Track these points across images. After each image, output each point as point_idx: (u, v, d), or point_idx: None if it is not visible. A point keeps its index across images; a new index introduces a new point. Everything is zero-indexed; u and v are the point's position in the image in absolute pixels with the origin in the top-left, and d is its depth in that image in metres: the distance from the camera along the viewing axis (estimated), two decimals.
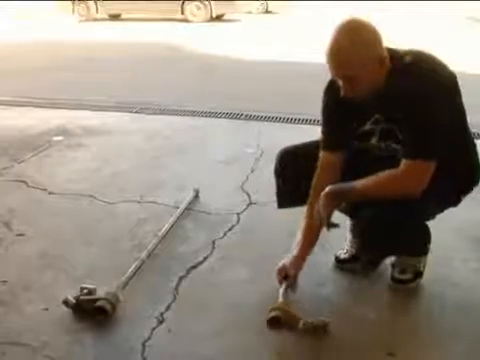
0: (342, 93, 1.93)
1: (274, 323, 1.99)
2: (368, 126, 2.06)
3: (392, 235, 2.02)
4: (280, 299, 2.07)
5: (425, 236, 2.24)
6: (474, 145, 2.12)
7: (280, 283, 2.14)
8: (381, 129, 2.04)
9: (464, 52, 8.23)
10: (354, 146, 2.14)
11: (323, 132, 2.17)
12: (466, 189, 2.13)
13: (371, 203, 1.92)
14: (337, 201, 2.02)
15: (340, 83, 1.92)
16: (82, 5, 15.60)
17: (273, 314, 2.00)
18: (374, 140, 2.08)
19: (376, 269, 2.36)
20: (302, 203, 2.20)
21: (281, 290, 2.12)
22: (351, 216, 2.32)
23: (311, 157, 2.13)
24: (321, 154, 2.15)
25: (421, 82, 1.83)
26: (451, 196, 2.11)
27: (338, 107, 2.06)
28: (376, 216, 1.94)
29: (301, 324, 1.96)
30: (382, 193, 1.91)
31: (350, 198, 2.01)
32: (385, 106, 1.97)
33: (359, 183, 1.96)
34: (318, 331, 1.96)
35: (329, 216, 2.02)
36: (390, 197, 1.88)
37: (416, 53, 1.94)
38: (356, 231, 2.35)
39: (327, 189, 1.99)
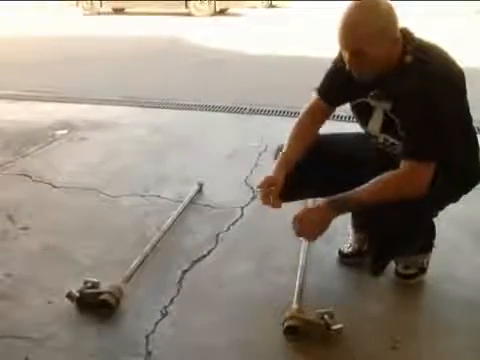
0: (347, 67, 1.86)
1: (291, 332, 1.96)
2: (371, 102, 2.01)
3: (401, 241, 1.99)
4: (294, 305, 2.04)
5: (430, 234, 2.23)
6: (476, 142, 2.09)
7: (266, 197, 2.04)
8: (384, 118, 1.99)
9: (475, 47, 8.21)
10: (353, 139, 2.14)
11: (324, 80, 2.15)
12: (470, 186, 2.11)
13: (377, 208, 1.87)
14: (336, 213, 1.95)
15: (346, 57, 1.84)
16: None
17: (289, 323, 1.96)
18: (376, 125, 2.04)
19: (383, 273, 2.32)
20: (302, 198, 2.19)
21: (295, 294, 2.10)
22: (354, 212, 2.31)
23: (311, 153, 2.12)
24: (314, 97, 2.17)
25: (430, 83, 1.78)
26: (455, 195, 2.09)
27: (345, 76, 1.96)
28: (384, 224, 1.89)
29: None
30: (384, 198, 1.85)
31: (350, 209, 1.98)
32: (391, 98, 1.93)
33: (358, 191, 1.89)
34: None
35: (322, 232, 1.98)
36: (393, 201, 1.83)
37: (430, 49, 1.88)
38: (363, 235, 2.35)
39: (324, 201, 1.93)
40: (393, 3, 1.80)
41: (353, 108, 2.13)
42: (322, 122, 2.20)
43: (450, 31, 9.82)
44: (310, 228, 1.98)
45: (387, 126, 1.99)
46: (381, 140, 2.05)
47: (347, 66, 1.87)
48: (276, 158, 2.13)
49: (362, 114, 2.09)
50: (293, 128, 2.16)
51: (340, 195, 1.93)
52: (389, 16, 1.79)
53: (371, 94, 1.97)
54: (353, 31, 1.77)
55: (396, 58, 1.84)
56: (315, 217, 1.95)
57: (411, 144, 1.87)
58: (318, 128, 2.19)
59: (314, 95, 2.18)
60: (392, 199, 1.84)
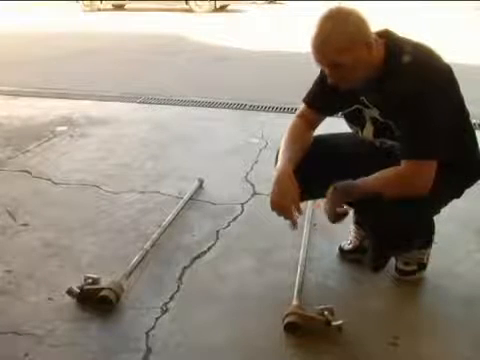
0: (329, 82, 1.88)
1: (292, 328, 1.96)
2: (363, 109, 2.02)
3: (401, 238, 1.99)
4: (294, 301, 2.04)
5: (430, 229, 2.23)
6: (475, 136, 2.08)
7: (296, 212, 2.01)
8: (374, 122, 1.99)
9: (474, 43, 8.21)
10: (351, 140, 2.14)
11: (311, 89, 2.16)
12: (471, 182, 2.11)
13: (378, 206, 1.87)
14: (343, 199, 1.99)
15: (327, 72, 1.87)
16: None
17: (289, 319, 1.97)
18: (369, 133, 2.04)
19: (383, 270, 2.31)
20: (301, 200, 2.16)
21: (295, 291, 2.11)
22: (355, 209, 2.30)
23: (311, 155, 2.11)
24: (303, 105, 2.17)
25: (419, 82, 1.78)
26: (456, 190, 2.09)
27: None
28: (384, 221, 1.90)
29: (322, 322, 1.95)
30: (388, 193, 1.86)
31: (355, 196, 1.98)
32: (381, 102, 1.92)
33: (364, 181, 1.92)
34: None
35: (335, 213, 2.01)
36: (396, 196, 1.84)
37: (415, 48, 1.87)
38: (364, 232, 2.36)
39: (333, 187, 1.97)
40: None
41: (346, 118, 2.14)
42: (312, 130, 2.19)
43: (449, 27, 9.82)
44: (327, 213, 2.02)
45: (381, 131, 1.99)
46: (378, 144, 2.05)
47: (329, 80, 1.89)
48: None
49: (355, 123, 2.10)
50: (284, 140, 2.14)
51: (348, 182, 1.96)
52: (358, 22, 1.79)
53: (360, 99, 1.97)
54: (325, 46, 1.79)
55: (379, 60, 1.84)
56: (326, 206, 2.01)
57: (410, 145, 1.86)
58: (310, 136, 2.18)
59: (303, 105, 2.18)
60: (394, 195, 1.84)
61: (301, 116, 2.17)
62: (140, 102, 5.28)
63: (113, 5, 16.04)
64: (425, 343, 1.95)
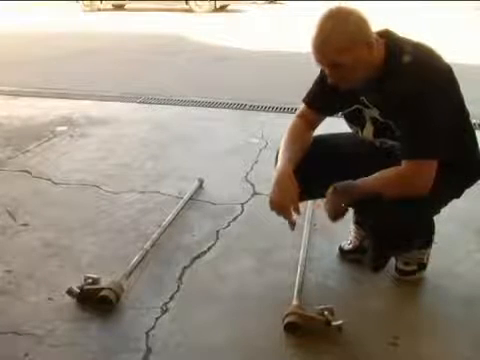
0: (329, 82, 1.89)
1: (292, 328, 1.96)
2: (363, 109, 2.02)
3: (401, 239, 2.00)
4: (294, 301, 2.04)
5: (430, 229, 2.22)
6: (475, 136, 2.08)
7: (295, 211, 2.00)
8: (374, 122, 1.99)
9: (474, 43, 8.21)
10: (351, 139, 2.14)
11: (311, 89, 2.16)
12: (470, 182, 2.11)
13: (378, 206, 1.88)
14: (343, 199, 1.99)
15: (327, 72, 1.87)
16: None
17: (289, 319, 1.97)
18: (369, 133, 2.04)
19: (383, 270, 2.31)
20: (301, 200, 2.16)
21: (295, 291, 2.11)
22: (355, 209, 2.30)
23: (311, 155, 2.11)
24: (303, 106, 2.17)
25: (419, 82, 1.77)
26: (456, 190, 2.09)
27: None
28: (385, 221, 1.91)
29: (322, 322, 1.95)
30: (388, 193, 1.86)
31: (355, 196, 1.99)
32: (381, 102, 1.92)
33: (364, 182, 1.93)
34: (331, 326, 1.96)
35: (337, 213, 2.01)
36: (396, 196, 1.84)
37: (415, 48, 1.87)
38: (364, 232, 2.35)
39: (333, 187, 1.97)
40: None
41: (346, 118, 2.13)
42: (312, 130, 2.19)
43: (449, 27, 9.82)
44: (328, 213, 2.03)
45: (381, 131, 1.99)
46: (378, 144, 2.05)
47: (329, 80, 1.89)
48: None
49: (355, 123, 2.09)
50: (284, 140, 2.14)
51: (348, 182, 1.96)
52: (359, 22, 1.79)
53: (360, 99, 1.97)
54: (325, 45, 1.78)
55: (379, 60, 1.84)
56: (327, 206, 2.02)
57: (410, 145, 1.86)
58: (310, 136, 2.18)
59: (302, 105, 2.18)
60: (395, 195, 1.85)
61: (301, 116, 2.17)
62: (140, 102, 5.28)
63: (113, 5, 16.04)
64: (425, 343, 1.95)
